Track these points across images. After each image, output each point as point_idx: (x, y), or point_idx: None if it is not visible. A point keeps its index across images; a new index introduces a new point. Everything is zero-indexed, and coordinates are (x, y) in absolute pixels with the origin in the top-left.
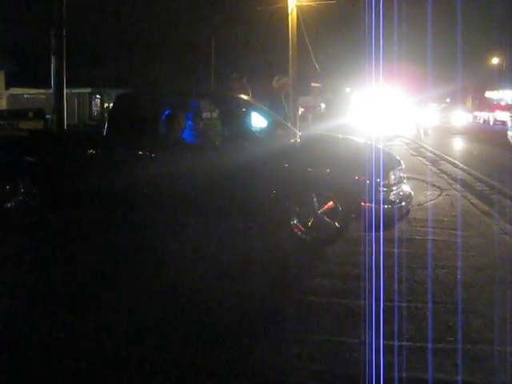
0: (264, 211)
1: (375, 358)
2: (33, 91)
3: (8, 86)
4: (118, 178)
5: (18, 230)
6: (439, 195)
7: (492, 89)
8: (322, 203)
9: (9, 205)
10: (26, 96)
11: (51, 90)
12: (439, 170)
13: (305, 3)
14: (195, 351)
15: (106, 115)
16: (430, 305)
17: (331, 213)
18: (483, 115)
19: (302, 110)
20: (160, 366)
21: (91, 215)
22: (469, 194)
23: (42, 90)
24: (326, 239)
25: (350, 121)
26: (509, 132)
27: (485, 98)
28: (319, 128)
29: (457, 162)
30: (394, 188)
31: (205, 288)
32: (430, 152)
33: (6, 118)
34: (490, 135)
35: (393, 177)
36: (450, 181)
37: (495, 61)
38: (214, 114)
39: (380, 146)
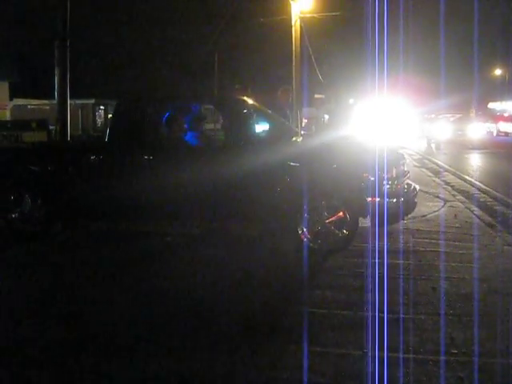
0: (271, 218)
1: (378, 370)
2: (37, 102)
3: (12, 96)
4: (122, 185)
5: (22, 239)
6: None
7: (495, 100)
8: (330, 211)
9: (13, 215)
10: (29, 107)
11: (55, 101)
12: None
13: (308, 15)
14: (195, 361)
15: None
16: (433, 317)
17: (339, 221)
18: (486, 126)
19: (306, 121)
20: (159, 374)
21: (96, 224)
22: None
23: (46, 101)
24: (333, 247)
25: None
26: None
27: (488, 109)
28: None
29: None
30: (399, 182)
31: (206, 296)
32: (445, 170)
33: (10, 129)
34: None
35: (395, 170)
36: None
37: (498, 72)
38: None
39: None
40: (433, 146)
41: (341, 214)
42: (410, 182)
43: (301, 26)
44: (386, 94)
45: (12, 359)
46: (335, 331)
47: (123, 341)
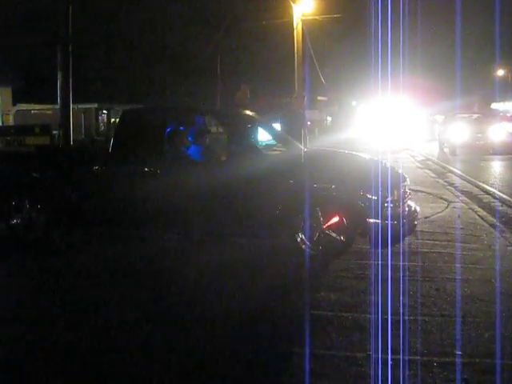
0: (270, 226)
1: (382, 372)
2: (39, 107)
3: (15, 101)
4: (124, 194)
5: (22, 245)
6: None
7: (497, 100)
8: (327, 218)
9: (14, 221)
10: (32, 112)
11: (58, 106)
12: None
13: (310, 17)
14: (197, 365)
15: (112, 131)
16: (437, 318)
17: (337, 227)
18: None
19: (309, 123)
20: (161, 377)
21: (96, 231)
22: None
23: (49, 106)
24: (332, 253)
25: (356, 134)
26: None
27: (491, 109)
28: (326, 141)
29: None
30: (400, 204)
31: (208, 302)
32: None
33: (13, 134)
34: None
35: (397, 193)
36: None
37: (500, 73)
38: (220, 130)
39: (386, 162)
40: (446, 150)
41: (336, 218)
42: (410, 203)
43: (302, 29)
44: (390, 95)
45: (13, 363)
46: (339, 333)
47: (123, 343)
